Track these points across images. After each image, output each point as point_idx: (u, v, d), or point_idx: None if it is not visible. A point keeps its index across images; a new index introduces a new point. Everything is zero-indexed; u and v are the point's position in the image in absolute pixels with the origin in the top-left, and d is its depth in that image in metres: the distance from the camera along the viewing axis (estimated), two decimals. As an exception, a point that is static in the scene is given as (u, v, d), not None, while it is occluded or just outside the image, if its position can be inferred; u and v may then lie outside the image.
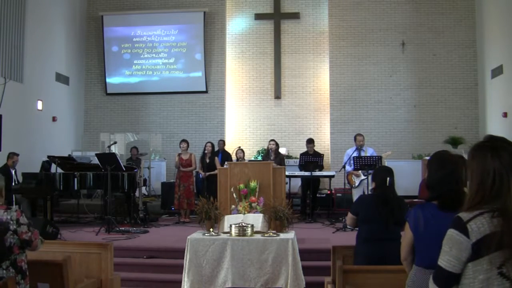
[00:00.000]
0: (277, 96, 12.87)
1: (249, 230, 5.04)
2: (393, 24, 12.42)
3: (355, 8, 12.53)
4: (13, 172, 8.80)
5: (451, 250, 1.82)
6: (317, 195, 9.73)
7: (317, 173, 9.32)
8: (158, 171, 11.86)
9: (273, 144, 9.39)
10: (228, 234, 5.08)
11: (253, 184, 5.67)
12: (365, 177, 8.16)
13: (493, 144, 1.88)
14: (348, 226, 7.48)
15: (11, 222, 3.24)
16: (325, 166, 10.60)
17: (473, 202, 1.84)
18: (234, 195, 5.71)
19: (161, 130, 13.01)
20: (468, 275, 1.78)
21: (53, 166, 9.14)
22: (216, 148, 10.24)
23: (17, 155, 8.83)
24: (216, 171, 7.82)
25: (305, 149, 9.83)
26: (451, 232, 1.84)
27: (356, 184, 8.44)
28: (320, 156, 9.49)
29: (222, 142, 10.96)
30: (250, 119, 13.04)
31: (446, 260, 1.83)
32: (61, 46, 12.38)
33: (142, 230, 7.73)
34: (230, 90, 13.12)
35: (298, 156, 9.90)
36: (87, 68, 13.52)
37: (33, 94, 11.00)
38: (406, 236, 2.57)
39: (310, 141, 9.72)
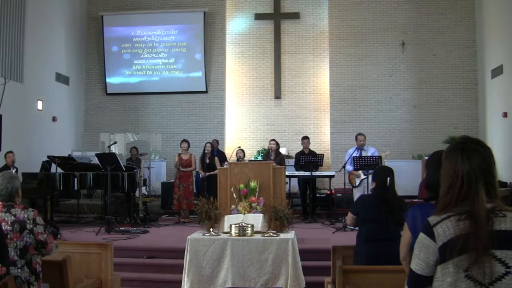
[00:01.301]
0: (277, 96, 12.87)
1: (249, 230, 5.04)
2: (393, 24, 12.42)
3: (355, 8, 12.53)
4: (13, 171, 8.80)
5: (420, 254, 1.82)
6: (317, 195, 9.73)
7: (317, 173, 9.32)
8: (158, 171, 11.86)
9: (273, 144, 9.39)
10: (228, 234, 5.08)
11: (253, 184, 5.67)
12: (365, 176, 8.16)
13: (466, 146, 1.86)
14: (348, 226, 7.48)
15: (28, 221, 3.27)
16: (325, 166, 10.61)
17: (443, 204, 1.84)
18: (234, 195, 5.71)
19: (161, 130, 13.01)
20: (438, 278, 1.78)
21: (53, 166, 9.13)
22: None
23: (11, 152, 8.84)
24: (216, 171, 7.82)
25: (300, 149, 9.83)
26: (420, 236, 1.84)
27: (357, 184, 8.45)
28: (316, 155, 9.49)
29: (216, 142, 10.95)
30: (250, 119, 13.05)
31: (415, 263, 1.84)
32: (61, 46, 12.38)
33: (142, 230, 7.73)
34: (230, 90, 13.12)
35: (295, 156, 9.89)
36: (87, 68, 13.52)
37: (33, 94, 11.00)
38: (405, 235, 2.57)
39: (305, 138, 9.75)
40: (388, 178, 4.00)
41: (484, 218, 1.74)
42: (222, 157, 9.88)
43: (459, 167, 1.82)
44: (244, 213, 5.46)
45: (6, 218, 3.25)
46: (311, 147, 9.88)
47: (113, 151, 9.67)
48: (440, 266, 1.77)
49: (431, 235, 1.79)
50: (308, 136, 10.02)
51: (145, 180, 10.14)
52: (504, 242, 1.72)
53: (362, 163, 8.05)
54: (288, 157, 11.53)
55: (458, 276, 1.73)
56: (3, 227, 3.18)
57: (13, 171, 8.77)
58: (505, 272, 1.71)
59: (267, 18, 13.01)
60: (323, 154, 9.77)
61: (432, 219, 1.82)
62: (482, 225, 1.73)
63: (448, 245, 1.74)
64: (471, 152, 1.84)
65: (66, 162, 9.02)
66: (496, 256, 1.72)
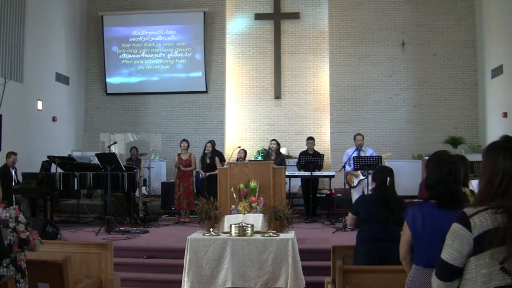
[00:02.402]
0: (277, 96, 12.87)
1: (249, 230, 5.04)
2: (393, 24, 12.42)
3: (355, 8, 12.53)
4: (13, 172, 8.81)
5: (454, 243, 1.85)
6: (317, 195, 9.73)
7: (317, 173, 9.32)
8: (158, 171, 11.86)
9: (274, 144, 9.39)
10: (228, 234, 5.08)
11: (253, 184, 5.66)
12: (364, 177, 8.16)
13: (508, 144, 1.92)
14: (348, 226, 7.48)
15: (10, 219, 3.26)
16: (325, 166, 10.61)
17: (480, 198, 1.88)
18: (234, 195, 5.71)
19: (161, 130, 13.00)
20: (471, 270, 1.80)
21: (53, 166, 9.14)
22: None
23: (15, 154, 8.83)
24: (216, 171, 7.82)
25: (304, 148, 9.84)
26: (455, 226, 1.87)
27: (355, 184, 8.44)
28: (320, 156, 9.50)
29: (213, 142, 10.90)
30: (250, 119, 13.04)
31: (448, 253, 1.86)
32: (61, 46, 12.38)
33: (142, 230, 7.73)
34: (230, 90, 13.12)
35: (298, 155, 9.90)
36: (87, 68, 13.52)
37: (33, 94, 11.00)
38: (404, 234, 2.57)
39: (310, 138, 9.77)
40: (388, 178, 4.00)
41: None
42: (219, 157, 9.88)
43: (500, 164, 1.87)
44: (244, 213, 5.46)
45: None
46: (314, 147, 9.88)
47: (113, 151, 9.67)
48: (474, 257, 1.80)
49: (467, 225, 1.82)
50: (313, 136, 10.04)
51: (145, 180, 10.14)
52: None
53: (362, 163, 8.05)
54: (288, 157, 11.53)
55: (493, 268, 1.76)
56: None
57: (13, 172, 8.77)
58: None
59: (267, 18, 13.01)
60: (323, 154, 9.78)
61: (468, 210, 1.85)
62: None
63: (486, 236, 1.77)
64: None
65: (66, 162, 9.01)
66: None
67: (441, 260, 1.89)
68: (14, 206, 3.39)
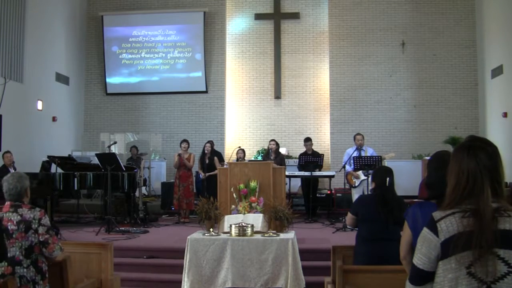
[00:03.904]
0: (277, 96, 12.87)
1: (249, 230, 5.04)
2: (393, 24, 12.43)
3: (355, 8, 12.53)
4: (12, 171, 8.80)
5: (422, 248, 1.84)
6: (317, 195, 9.73)
7: (317, 173, 9.32)
8: (158, 171, 11.87)
9: (273, 144, 9.40)
10: (228, 234, 5.08)
11: (253, 184, 5.67)
12: (365, 177, 8.15)
13: (472, 144, 1.89)
14: (348, 226, 7.48)
15: (33, 221, 3.31)
16: (325, 166, 10.61)
17: (449, 201, 1.86)
18: (234, 195, 5.71)
19: (161, 130, 13.00)
20: (439, 274, 1.80)
21: (53, 166, 9.13)
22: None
23: (9, 152, 8.85)
24: (216, 171, 7.82)
25: (303, 150, 9.85)
26: (424, 230, 1.86)
27: (356, 184, 8.44)
28: (319, 156, 9.51)
29: (211, 142, 10.90)
30: (250, 119, 13.04)
31: (418, 258, 1.85)
32: (61, 46, 12.38)
33: (142, 230, 7.73)
34: (230, 90, 13.12)
35: (298, 157, 9.90)
36: (87, 68, 13.52)
37: (33, 94, 11.00)
38: (405, 234, 2.57)
39: (308, 140, 9.76)
40: (388, 178, 4.00)
41: (489, 215, 1.74)
42: (218, 157, 9.89)
43: (465, 164, 1.84)
44: (244, 213, 5.46)
45: (12, 218, 3.29)
46: (312, 147, 9.88)
47: (113, 151, 9.67)
48: (442, 261, 1.78)
49: (434, 230, 1.80)
50: (310, 137, 10.03)
51: (145, 180, 10.14)
52: (507, 242, 1.73)
53: (362, 163, 8.05)
54: (288, 157, 11.53)
55: (460, 273, 1.74)
56: (9, 227, 3.23)
57: (12, 171, 8.77)
58: (507, 272, 1.72)
59: (267, 18, 13.01)
60: (323, 154, 9.78)
61: (436, 214, 1.83)
62: (487, 222, 1.73)
63: (451, 241, 1.75)
64: (477, 150, 1.85)
65: (66, 162, 9.01)
66: (499, 255, 1.72)
67: (412, 265, 1.88)
68: (38, 208, 3.42)
